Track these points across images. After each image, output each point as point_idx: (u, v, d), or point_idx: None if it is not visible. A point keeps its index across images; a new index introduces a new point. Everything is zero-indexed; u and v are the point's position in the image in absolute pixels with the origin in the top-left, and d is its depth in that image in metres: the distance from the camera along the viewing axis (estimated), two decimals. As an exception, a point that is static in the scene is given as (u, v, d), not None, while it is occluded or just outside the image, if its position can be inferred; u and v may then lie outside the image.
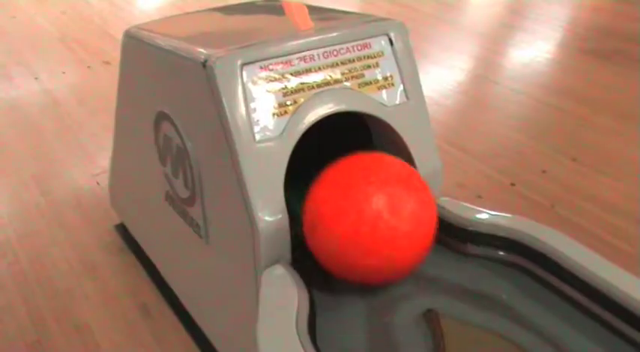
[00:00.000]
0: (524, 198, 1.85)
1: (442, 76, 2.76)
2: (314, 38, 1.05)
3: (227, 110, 0.97)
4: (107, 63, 2.80)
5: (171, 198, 1.26)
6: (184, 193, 1.18)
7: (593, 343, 0.87)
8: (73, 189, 1.96)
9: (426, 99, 1.12)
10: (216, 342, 1.26)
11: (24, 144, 2.24)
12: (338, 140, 1.24)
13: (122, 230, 1.73)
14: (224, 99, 0.97)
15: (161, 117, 1.19)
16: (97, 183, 1.97)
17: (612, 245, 1.64)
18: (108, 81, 2.43)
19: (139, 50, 1.29)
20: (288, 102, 0.99)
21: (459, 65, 2.93)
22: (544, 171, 2.00)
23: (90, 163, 2.09)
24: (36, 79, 2.76)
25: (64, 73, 2.83)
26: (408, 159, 1.09)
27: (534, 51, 3.08)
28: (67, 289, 1.56)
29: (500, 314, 0.94)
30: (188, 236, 1.22)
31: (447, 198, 1.13)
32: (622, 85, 2.69)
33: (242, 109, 0.97)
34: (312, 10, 1.34)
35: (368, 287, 1.00)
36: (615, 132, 2.27)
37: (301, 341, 0.84)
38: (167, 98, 1.16)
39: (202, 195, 1.11)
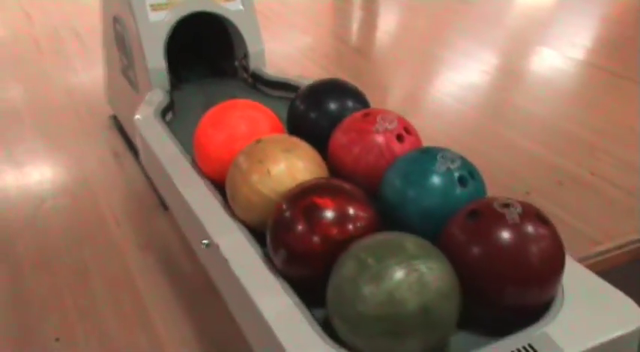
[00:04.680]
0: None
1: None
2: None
3: (134, 6, 1.84)
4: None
5: (123, 70, 2.14)
6: (126, 62, 2.06)
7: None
8: (86, 93, 2.90)
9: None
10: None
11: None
12: (211, 35, 2.10)
13: (115, 119, 2.63)
14: (133, 2, 1.85)
15: (115, 21, 2.07)
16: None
17: (433, 140, 2.41)
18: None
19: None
20: (166, 2, 1.86)
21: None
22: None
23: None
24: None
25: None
26: (243, 43, 1.95)
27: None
28: (74, 147, 2.47)
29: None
30: (131, 92, 2.10)
31: (271, 71, 1.98)
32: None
33: (142, 5, 1.85)
34: None
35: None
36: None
37: (155, 117, 1.70)
38: (116, 6, 2.05)
39: (133, 60, 1.99)
